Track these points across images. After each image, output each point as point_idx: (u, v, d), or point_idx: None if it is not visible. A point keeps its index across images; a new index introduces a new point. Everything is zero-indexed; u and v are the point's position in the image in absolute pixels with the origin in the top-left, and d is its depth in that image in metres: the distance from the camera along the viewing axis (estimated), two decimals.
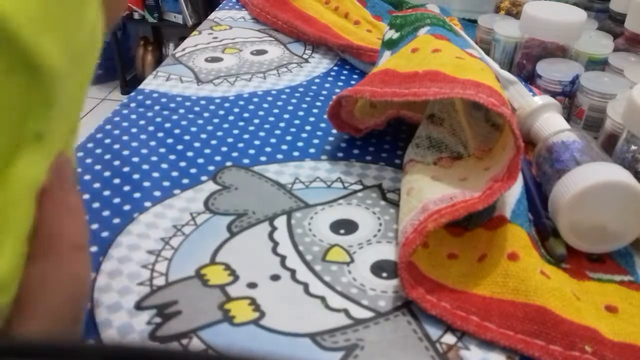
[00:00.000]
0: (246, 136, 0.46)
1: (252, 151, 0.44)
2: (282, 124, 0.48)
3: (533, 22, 0.49)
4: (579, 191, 0.33)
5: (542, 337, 0.29)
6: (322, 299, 0.32)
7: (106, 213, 0.38)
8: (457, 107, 0.42)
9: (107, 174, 0.42)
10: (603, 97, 0.43)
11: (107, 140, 0.45)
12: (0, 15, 0.16)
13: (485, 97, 0.34)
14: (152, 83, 0.54)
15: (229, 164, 0.43)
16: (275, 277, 0.33)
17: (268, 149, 0.45)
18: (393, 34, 0.47)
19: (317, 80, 0.55)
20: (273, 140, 0.46)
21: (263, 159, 0.43)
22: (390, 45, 0.47)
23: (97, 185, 0.40)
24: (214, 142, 0.45)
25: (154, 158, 0.43)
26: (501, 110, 0.33)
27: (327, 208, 0.39)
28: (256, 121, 0.48)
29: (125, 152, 0.44)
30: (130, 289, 0.32)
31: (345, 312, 0.31)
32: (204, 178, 0.41)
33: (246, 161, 0.43)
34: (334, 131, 0.46)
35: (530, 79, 0.50)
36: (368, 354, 0.29)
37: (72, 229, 0.21)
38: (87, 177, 0.41)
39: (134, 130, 0.47)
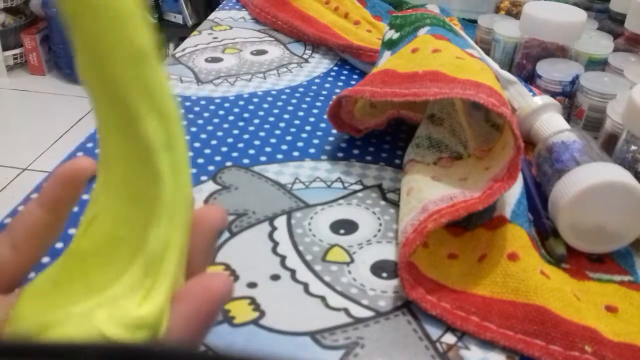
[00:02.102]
0: (246, 136, 0.46)
1: (252, 151, 0.44)
2: (282, 124, 0.48)
3: (533, 22, 0.49)
4: (579, 191, 0.33)
5: (542, 337, 0.29)
6: (322, 298, 0.32)
7: None
8: (457, 107, 0.42)
9: None
10: (603, 97, 0.43)
11: None
12: None
13: (485, 97, 0.34)
14: None
15: (229, 164, 0.43)
16: (275, 277, 0.33)
17: (268, 149, 0.45)
18: (393, 34, 0.47)
19: (317, 80, 0.55)
20: (273, 140, 0.46)
21: (263, 159, 0.43)
22: (390, 45, 0.47)
23: None
24: (214, 142, 0.45)
25: None
26: (501, 111, 0.33)
27: (327, 208, 0.39)
28: (256, 121, 0.48)
29: None
30: None
31: (346, 311, 0.31)
32: (204, 178, 0.41)
33: (246, 161, 0.43)
34: (334, 131, 0.46)
35: (530, 79, 0.50)
36: (368, 352, 0.29)
37: None
38: None
39: None
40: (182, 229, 0.20)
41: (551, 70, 0.47)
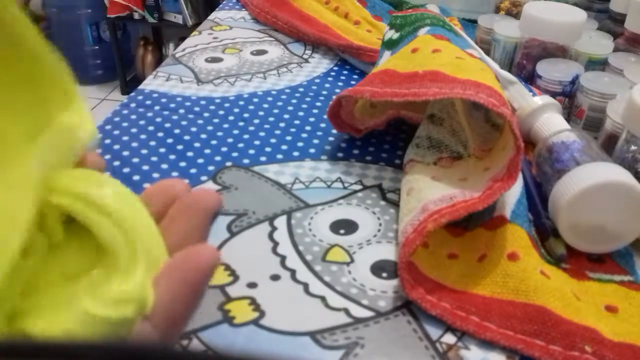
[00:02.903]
0: (246, 136, 0.46)
1: (252, 151, 0.44)
2: (282, 124, 0.48)
3: (533, 22, 0.49)
4: (579, 191, 0.33)
5: (542, 337, 0.29)
6: (322, 298, 0.32)
7: None
8: (457, 107, 0.42)
9: (107, 174, 0.42)
10: (603, 97, 0.43)
11: (107, 141, 0.45)
12: None
13: (485, 97, 0.34)
14: (152, 83, 0.54)
15: (229, 164, 0.43)
16: (275, 277, 0.33)
17: (268, 149, 0.45)
18: (393, 34, 0.47)
19: (317, 80, 0.55)
20: (273, 140, 0.46)
21: (263, 159, 0.43)
22: (390, 45, 0.47)
23: None
24: (214, 142, 0.45)
25: (154, 158, 0.43)
26: (501, 111, 0.33)
27: (327, 208, 0.39)
28: (256, 121, 0.48)
29: (125, 153, 0.44)
30: None
31: (346, 311, 0.31)
32: (203, 178, 0.41)
33: (246, 161, 0.43)
34: (334, 131, 0.46)
35: (530, 79, 0.50)
36: (368, 352, 0.29)
37: None
38: None
39: (133, 130, 0.47)
40: (139, 210, 0.21)
41: (551, 70, 0.47)
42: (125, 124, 0.48)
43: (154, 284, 0.20)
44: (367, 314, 0.31)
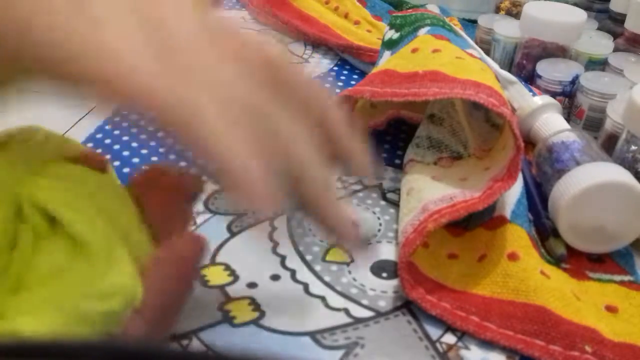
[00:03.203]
0: None
1: None
2: None
3: (533, 23, 0.49)
4: (579, 191, 0.33)
5: (542, 337, 0.29)
6: (322, 298, 0.32)
7: None
8: (457, 107, 0.42)
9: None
10: (603, 97, 0.43)
11: (107, 141, 0.45)
12: None
13: (485, 97, 0.34)
14: None
15: None
16: (275, 277, 0.33)
17: None
18: (393, 34, 0.47)
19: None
20: None
21: None
22: (390, 45, 0.47)
23: None
24: None
25: (154, 158, 0.43)
26: (501, 111, 0.33)
27: None
28: None
29: (125, 153, 0.44)
30: None
31: (346, 311, 0.31)
32: (203, 178, 0.41)
33: None
34: None
35: (530, 79, 0.50)
36: (368, 352, 0.29)
37: None
38: None
39: (134, 130, 0.47)
40: (118, 204, 0.21)
41: (551, 70, 0.47)
42: (125, 124, 0.47)
43: (141, 277, 0.20)
44: (367, 314, 0.31)
